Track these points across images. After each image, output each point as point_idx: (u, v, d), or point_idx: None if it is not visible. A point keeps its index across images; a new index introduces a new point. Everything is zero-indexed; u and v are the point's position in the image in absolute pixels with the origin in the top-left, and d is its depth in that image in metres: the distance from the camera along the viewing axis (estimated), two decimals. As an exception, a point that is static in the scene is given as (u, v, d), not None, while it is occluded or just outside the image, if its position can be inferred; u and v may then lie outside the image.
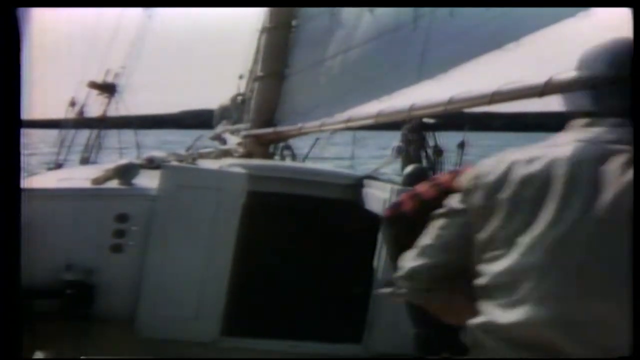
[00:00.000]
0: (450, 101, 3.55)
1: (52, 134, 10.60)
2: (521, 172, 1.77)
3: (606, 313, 1.61)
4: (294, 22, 6.80)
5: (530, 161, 1.77)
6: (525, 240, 1.73)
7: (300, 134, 6.13)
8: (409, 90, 4.54)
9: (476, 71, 3.88)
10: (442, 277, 1.92)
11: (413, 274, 1.96)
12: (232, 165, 4.94)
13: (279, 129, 6.34)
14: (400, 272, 1.99)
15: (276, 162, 6.63)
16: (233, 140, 7.10)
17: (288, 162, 6.88)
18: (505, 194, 1.78)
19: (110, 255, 4.44)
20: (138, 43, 10.77)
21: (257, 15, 7.32)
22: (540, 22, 3.45)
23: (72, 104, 10.72)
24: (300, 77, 6.61)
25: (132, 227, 4.45)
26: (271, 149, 6.94)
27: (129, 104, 10.97)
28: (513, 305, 1.71)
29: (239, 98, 8.31)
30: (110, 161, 7.05)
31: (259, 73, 7.01)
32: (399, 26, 5.19)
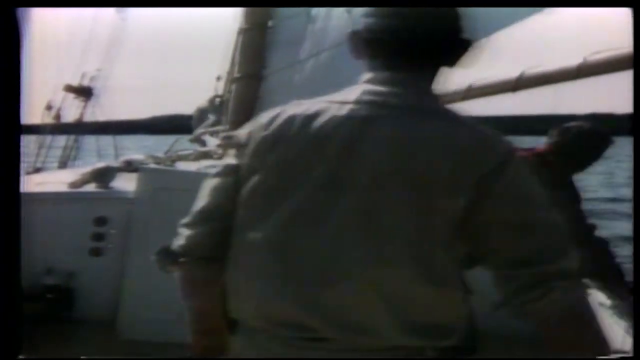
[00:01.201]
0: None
1: (29, 138, 10.55)
2: (296, 130, 1.59)
3: (364, 290, 1.47)
4: (270, 23, 6.79)
5: (308, 118, 1.59)
6: (281, 208, 1.56)
7: (279, 134, 6.13)
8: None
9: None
10: (224, 244, 1.68)
11: (192, 243, 1.73)
12: (210, 166, 4.93)
13: (258, 129, 6.34)
14: (179, 241, 1.76)
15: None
16: (212, 142, 7.09)
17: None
18: (274, 152, 1.60)
19: (89, 258, 4.43)
20: (113, 46, 10.74)
21: (233, 17, 7.31)
22: (509, 20, 3.51)
23: (49, 107, 10.67)
24: (278, 77, 6.60)
25: (111, 230, 4.44)
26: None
27: (105, 108, 10.94)
28: (263, 282, 1.57)
29: (217, 100, 8.29)
30: (88, 164, 7.02)
31: (236, 74, 7.00)
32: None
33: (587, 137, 3.40)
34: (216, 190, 1.73)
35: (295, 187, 1.56)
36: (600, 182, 22.31)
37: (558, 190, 3.24)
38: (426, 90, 1.63)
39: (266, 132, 1.64)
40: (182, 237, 1.75)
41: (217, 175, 1.75)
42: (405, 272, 1.47)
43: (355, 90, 1.64)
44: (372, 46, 1.67)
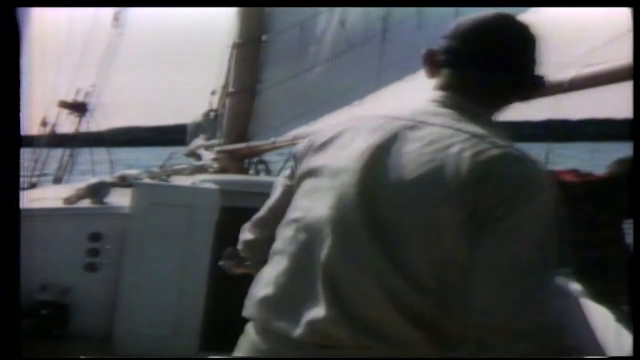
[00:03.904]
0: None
1: (25, 152, 10.51)
2: (342, 143, 1.64)
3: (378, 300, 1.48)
4: (264, 37, 6.82)
5: (357, 133, 1.64)
6: (312, 214, 1.61)
7: (274, 148, 6.16)
8: (378, 94, 4.59)
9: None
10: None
11: (250, 246, 1.89)
12: (205, 181, 4.94)
13: (252, 144, 6.36)
14: (240, 245, 1.92)
15: (250, 177, 6.64)
16: (208, 156, 7.10)
17: (262, 177, 6.89)
18: (317, 162, 1.67)
19: (85, 274, 4.42)
20: (109, 61, 10.74)
21: (228, 31, 7.34)
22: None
23: (44, 123, 10.67)
24: (272, 92, 6.63)
25: (106, 246, 4.44)
26: (246, 164, 6.95)
27: (100, 122, 10.93)
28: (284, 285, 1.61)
29: (212, 114, 8.32)
30: (83, 180, 7.01)
31: (231, 89, 7.02)
32: (368, 39, 5.24)
33: None
34: (275, 200, 1.84)
35: (324, 195, 1.60)
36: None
37: (605, 219, 3.23)
38: (478, 115, 1.61)
39: (317, 142, 1.70)
40: (241, 241, 1.91)
41: (279, 185, 1.85)
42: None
43: (413, 108, 1.65)
44: (442, 68, 1.70)
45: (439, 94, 1.67)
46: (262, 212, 1.86)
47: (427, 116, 1.60)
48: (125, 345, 4.23)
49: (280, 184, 1.84)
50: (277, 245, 1.68)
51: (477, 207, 1.44)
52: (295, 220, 1.64)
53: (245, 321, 1.77)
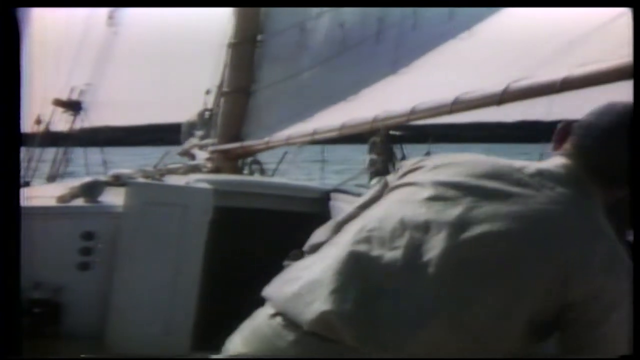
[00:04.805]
0: (413, 111, 3.63)
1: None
2: (451, 183, 1.67)
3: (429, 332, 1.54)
4: (259, 37, 6.83)
5: (471, 177, 1.67)
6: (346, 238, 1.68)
7: (267, 148, 6.17)
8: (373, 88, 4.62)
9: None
10: None
11: (317, 248, 1.89)
12: (199, 180, 4.93)
13: (246, 143, 6.37)
14: (308, 247, 1.94)
15: (243, 176, 6.64)
16: (201, 156, 7.10)
17: (255, 177, 6.89)
18: (415, 179, 1.73)
19: (77, 273, 4.41)
20: (103, 59, 10.72)
21: (223, 31, 7.34)
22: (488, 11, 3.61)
23: (38, 121, 10.64)
24: (267, 92, 6.63)
25: (99, 245, 4.43)
26: (240, 163, 6.96)
27: (94, 121, 10.92)
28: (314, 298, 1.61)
29: (207, 113, 8.31)
30: (77, 178, 6.99)
31: (225, 88, 7.02)
32: (363, 40, 5.25)
33: None
34: (359, 202, 1.90)
35: (408, 206, 1.65)
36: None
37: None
38: (591, 195, 1.68)
39: (429, 165, 1.74)
40: (310, 243, 1.94)
41: (371, 190, 1.90)
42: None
43: (537, 166, 1.71)
44: (574, 139, 1.74)
45: (563, 161, 1.72)
46: (341, 217, 1.91)
47: (547, 181, 1.65)
48: (117, 343, 4.22)
49: (371, 191, 1.90)
50: (335, 238, 1.75)
51: (567, 289, 1.55)
52: (362, 229, 1.67)
53: (238, 320, 1.76)
